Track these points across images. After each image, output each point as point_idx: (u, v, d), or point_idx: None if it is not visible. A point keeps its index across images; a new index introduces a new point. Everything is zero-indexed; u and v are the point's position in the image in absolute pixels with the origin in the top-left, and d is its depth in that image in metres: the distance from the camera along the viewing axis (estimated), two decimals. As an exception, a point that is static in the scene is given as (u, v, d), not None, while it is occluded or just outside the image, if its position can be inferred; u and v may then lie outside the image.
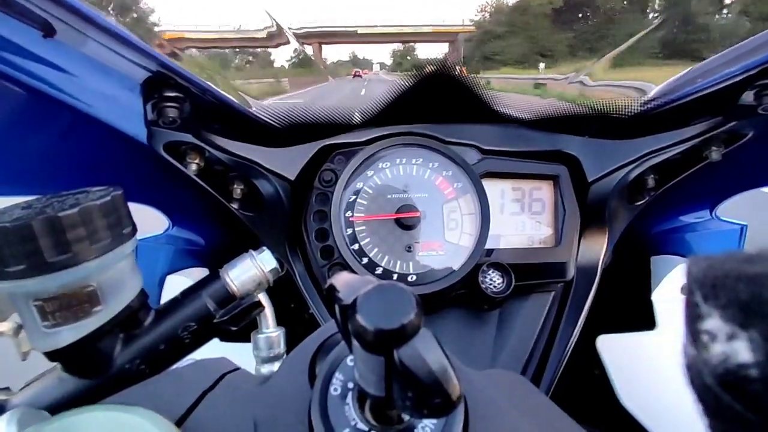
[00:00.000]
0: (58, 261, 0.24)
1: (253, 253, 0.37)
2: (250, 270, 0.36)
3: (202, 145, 0.51)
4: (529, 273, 0.60)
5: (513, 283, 0.57)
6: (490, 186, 0.61)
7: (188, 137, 0.50)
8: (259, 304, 0.36)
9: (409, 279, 0.56)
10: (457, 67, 0.55)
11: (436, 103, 0.61)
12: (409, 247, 0.58)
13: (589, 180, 0.60)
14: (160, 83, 0.46)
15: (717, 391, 0.12)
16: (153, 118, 0.48)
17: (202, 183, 0.54)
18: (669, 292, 0.67)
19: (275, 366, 0.38)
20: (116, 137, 0.47)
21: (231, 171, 0.56)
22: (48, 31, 0.36)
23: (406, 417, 0.21)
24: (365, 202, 0.58)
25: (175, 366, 0.33)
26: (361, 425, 0.21)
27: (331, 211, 0.56)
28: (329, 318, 0.56)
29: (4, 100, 0.40)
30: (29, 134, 0.44)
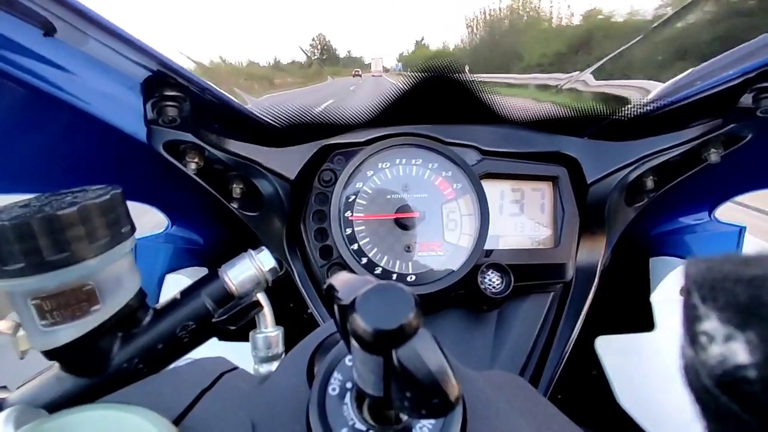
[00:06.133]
0: (57, 259, 0.24)
1: (252, 252, 0.37)
2: (249, 269, 0.36)
3: (202, 144, 0.51)
4: (528, 274, 0.60)
5: (512, 284, 0.57)
6: (490, 187, 0.61)
7: (188, 136, 0.50)
8: (257, 304, 0.36)
9: (408, 279, 0.56)
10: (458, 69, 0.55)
11: (436, 104, 0.61)
12: (409, 247, 0.58)
13: (589, 181, 0.60)
14: (160, 82, 0.46)
15: (714, 392, 0.12)
16: (153, 117, 0.48)
17: (202, 182, 0.54)
18: (667, 293, 0.67)
19: (273, 366, 0.38)
20: (116, 136, 0.47)
21: (231, 170, 0.56)
22: (48, 30, 0.36)
23: (404, 417, 0.21)
24: (364, 202, 0.58)
25: (173, 365, 0.32)
26: (359, 425, 0.21)
27: (331, 210, 0.56)
28: (328, 318, 0.56)
29: (4, 98, 0.40)
30: (29, 132, 0.44)
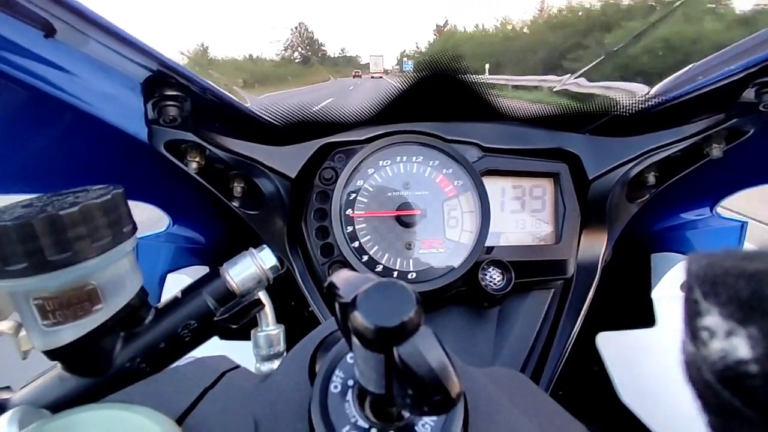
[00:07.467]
0: (59, 259, 0.24)
1: (254, 251, 0.37)
2: (250, 268, 0.36)
3: (203, 143, 0.51)
4: (530, 270, 0.60)
5: (513, 281, 0.57)
6: (491, 184, 0.60)
7: (189, 136, 0.50)
8: (259, 302, 0.37)
9: (409, 276, 0.56)
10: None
11: (436, 101, 0.61)
12: (410, 245, 0.58)
13: (590, 177, 0.60)
14: (161, 82, 0.46)
15: (716, 387, 0.12)
16: (154, 117, 0.48)
17: (203, 181, 0.54)
18: (669, 289, 0.67)
19: (275, 364, 0.38)
20: (117, 136, 0.47)
21: (232, 169, 0.56)
22: (49, 31, 0.36)
23: (406, 414, 0.21)
24: (365, 200, 0.58)
25: (175, 364, 0.33)
26: (362, 422, 0.21)
27: (332, 208, 0.56)
28: (329, 315, 0.57)
29: (5, 99, 0.40)
30: (30, 133, 0.44)
